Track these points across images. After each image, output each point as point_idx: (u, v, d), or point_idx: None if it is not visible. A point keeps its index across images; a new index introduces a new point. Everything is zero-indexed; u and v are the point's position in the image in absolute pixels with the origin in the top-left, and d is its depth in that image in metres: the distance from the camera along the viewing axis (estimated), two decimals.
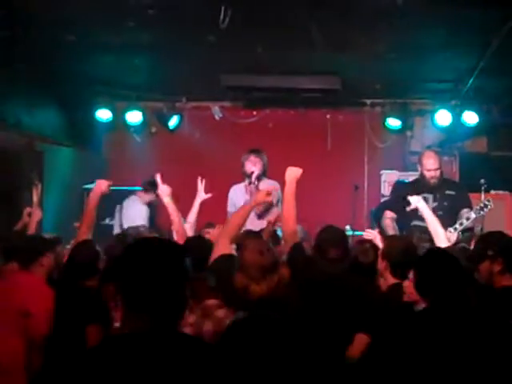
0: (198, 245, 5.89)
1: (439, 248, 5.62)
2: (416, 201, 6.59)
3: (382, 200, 10.60)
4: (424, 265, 4.20)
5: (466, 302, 4.02)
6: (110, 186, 6.84)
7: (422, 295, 4.13)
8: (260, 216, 8.04)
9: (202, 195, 7.67)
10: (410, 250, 5.43)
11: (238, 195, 8.57)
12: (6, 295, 5.14)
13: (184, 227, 6.88)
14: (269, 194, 6.29)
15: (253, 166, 8.37)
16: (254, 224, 7.44)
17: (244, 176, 8.51)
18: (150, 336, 2.71)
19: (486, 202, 7.36)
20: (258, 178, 8.36)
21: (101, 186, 6.79)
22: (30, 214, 7.51)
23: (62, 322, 5.12)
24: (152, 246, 2.89)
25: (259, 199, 6.27)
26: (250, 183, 8.38)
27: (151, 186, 9.28)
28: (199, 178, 7.71)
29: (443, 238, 6.12)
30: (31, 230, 7.21)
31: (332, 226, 5.55)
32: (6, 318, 5.07)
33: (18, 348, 5.07)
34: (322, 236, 5.40)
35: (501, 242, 4.90)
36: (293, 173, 6.16)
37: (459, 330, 3.86)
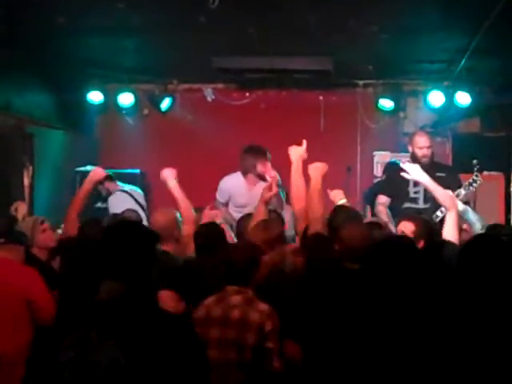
0: (209, 232, 5.92)
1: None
2: (415, 170, 6.36)
3: (375, 181, 10.60)
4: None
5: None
6: (105, 175, 6.85)
7: None
8: None
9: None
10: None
11: (235, 187, 8.65)
12: (8, 287, 5.19)
13: (192, 212, 6.68)
14: (270, 187, 6.36)
15: (265, 170, 8.37)
16: None
17: (247, 171, 8.56)
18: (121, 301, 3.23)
19: (475, 177, 7.41)
20: None
21: (97, 173, 6.80)
22: (16, 209, 7.51)
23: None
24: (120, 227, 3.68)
25: (266, 196, 6.32)
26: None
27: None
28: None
29: (450, 198, 6.01)
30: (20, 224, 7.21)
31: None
32: (9, 309, 5.14)
33: (23, 339, 5.16)
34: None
35: None
36: (297, 151, 6.19)
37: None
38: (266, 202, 6.43)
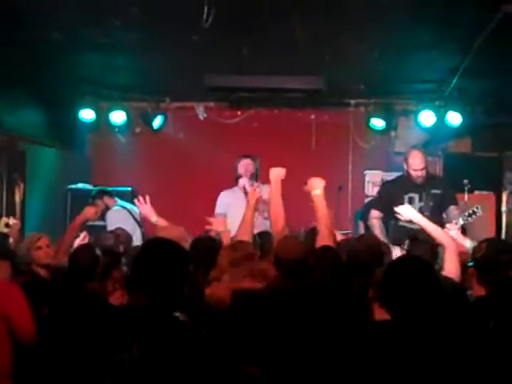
0: (205, 244, 5.93)
1: (410, 256, 5.40)
2: (407, 211, 6.27)
3: (366, 200, 10.62)
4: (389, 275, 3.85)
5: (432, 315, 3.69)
6: (97, 212, 6.88)
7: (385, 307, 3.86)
8: None
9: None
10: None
11: (231, 198, 8.69)
12: None
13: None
14: (254, 192, 6.34)
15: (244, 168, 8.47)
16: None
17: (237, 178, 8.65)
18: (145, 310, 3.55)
19: (475, 209, 7.33)
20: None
21: (89, 211, 6.85)
22: (7, 224, 7.47)
23: (67, 325, 5.17)
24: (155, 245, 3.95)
25: (251, 201, 6.29)
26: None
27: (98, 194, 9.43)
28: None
29: (446, 235, 5.90)
30: (14, 239, 7.18)
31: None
32: None
33: (3, 356, 5.08)
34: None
35: None
36: (277, 173, 6.18)
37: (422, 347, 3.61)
38: (253, 208, 6.32)
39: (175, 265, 3.70)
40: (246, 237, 5.90)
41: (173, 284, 3.66)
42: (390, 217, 7.94)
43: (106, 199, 9.69)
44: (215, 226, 6.76)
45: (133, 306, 3.70)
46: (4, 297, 5.16)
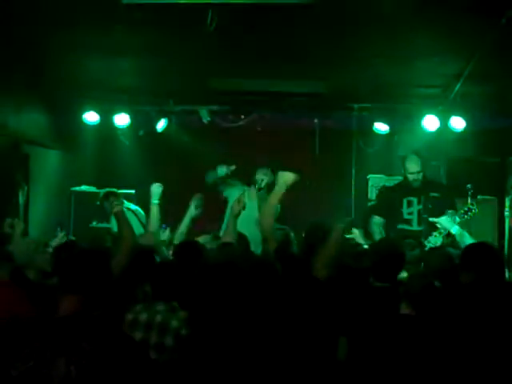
0: (189, 250, 5.98)
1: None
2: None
3: (369, 204, 10.62)
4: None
5: None
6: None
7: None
8: None
9: (192, 212, 7.65)
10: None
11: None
12: None
13: None
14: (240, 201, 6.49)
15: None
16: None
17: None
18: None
19: (471, 206, 7.38)
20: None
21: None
22: (11, 225, 7.45)
23: None
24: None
25: (235, 210, 6.49)
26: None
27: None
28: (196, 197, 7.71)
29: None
30: (16, 242, 7.16)
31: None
32: None
33: None
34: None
35: None
36: (286, 178, 6.21)
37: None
38: (235, 216, 6.67)
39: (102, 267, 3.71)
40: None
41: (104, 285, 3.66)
42: (390, 221, 7.97)
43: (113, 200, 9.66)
44: None
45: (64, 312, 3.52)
46: (8, 300, 5.17)
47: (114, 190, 10.06)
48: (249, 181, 8.88)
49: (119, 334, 3.52)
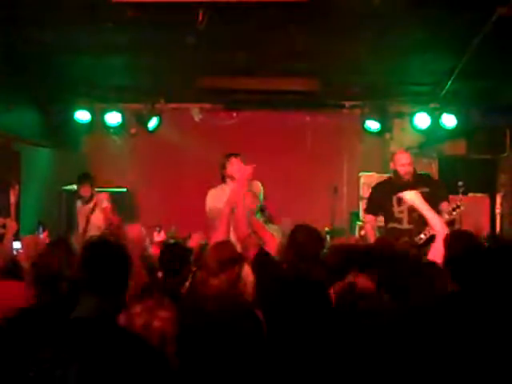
0: (173, 252, 5.94)
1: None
2: (411, 196, 6.40)
3: (361, 202, 10.64)
4: None
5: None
6: None
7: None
8: None
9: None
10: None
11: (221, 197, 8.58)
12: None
13: None
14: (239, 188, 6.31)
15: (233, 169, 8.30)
16: None
17: (222, 176, 8.38)
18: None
19: (458, 203, 7.39)
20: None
21: None
22: (3, 225, 7.43)
23: None
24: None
25: (231, 199, 6.21)
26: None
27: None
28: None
29: (442, 229, 6.06)
30: (7, 243, 7.13)
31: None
32: None
33: None
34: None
35: None
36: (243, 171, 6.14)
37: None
38: (232, 205, 6.10)
39: (122, 267, 3.63)
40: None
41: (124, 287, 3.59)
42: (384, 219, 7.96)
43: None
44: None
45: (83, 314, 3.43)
46: (12, 298, 5.19)
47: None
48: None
49: (135, 338, 3.37)
